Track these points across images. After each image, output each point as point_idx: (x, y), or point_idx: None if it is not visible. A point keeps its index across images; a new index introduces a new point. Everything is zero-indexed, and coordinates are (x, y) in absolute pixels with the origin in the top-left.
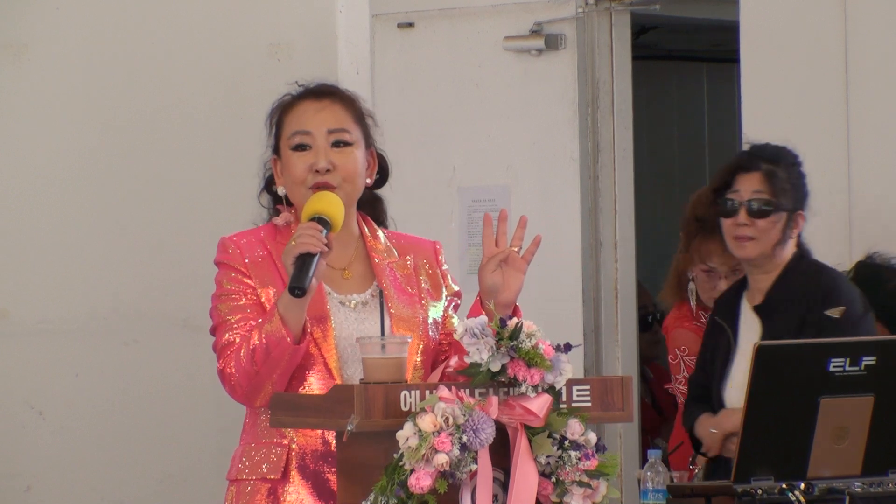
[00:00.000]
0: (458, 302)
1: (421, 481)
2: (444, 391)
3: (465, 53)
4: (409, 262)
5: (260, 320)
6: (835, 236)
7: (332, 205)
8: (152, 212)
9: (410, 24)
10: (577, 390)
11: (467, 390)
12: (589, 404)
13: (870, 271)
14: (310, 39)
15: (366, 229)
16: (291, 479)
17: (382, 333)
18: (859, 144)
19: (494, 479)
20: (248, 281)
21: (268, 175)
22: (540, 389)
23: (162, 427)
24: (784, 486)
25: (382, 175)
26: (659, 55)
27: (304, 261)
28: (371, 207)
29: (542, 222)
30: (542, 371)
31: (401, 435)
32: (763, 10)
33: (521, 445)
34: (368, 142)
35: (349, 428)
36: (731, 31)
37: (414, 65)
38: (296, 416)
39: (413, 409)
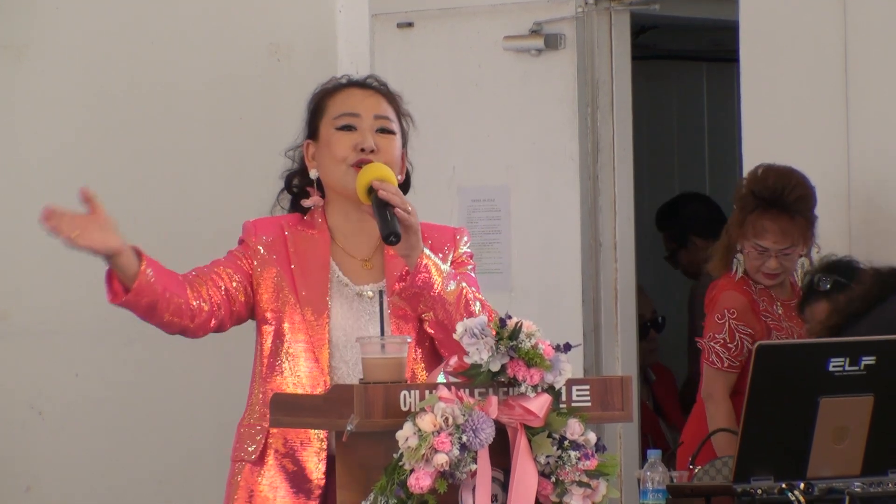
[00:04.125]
0: (469, 271)
1: (420, 481)
2: (443, 391)
3: (465, 53)
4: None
5: None
6: (834, 234)
7: (386, 171)
8: (152, 212)
9: (410, 24)
10: (577, 390)
11: (467, 390)
12: (588, 404)
13: (847, 263)
14: (309, 39)
15: None
16: (266, 462)
17: (382, 333)
18: (859, 143)
19: (494, 479)
20: (248, 254)
21: (298, 159)
22: (539, 389)
23: (162, 427)
24: (784, 485)
25: (406, 182)
26: (658, 55)
27: (386, 209)
28: None
29: (541, 222)
30: (542, 371)
31: (400, 435)
32: (763, 10)
33: (521, 445)
34: (404, 141)
35: (349, 428)
36: (730, 31)
37: (413, 65)
38: (295, 417)
39: (413, 409)
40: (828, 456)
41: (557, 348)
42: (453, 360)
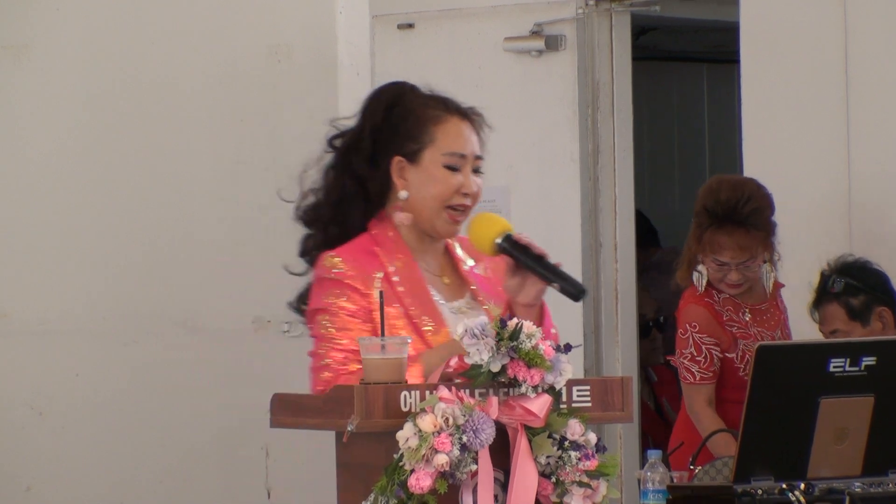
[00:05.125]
0: None
1: (421, 481)
2: (444, 392)
3: (465, 54)
4: (484, 267)
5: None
6: (835, 236)
7: (506, 222)
8: (152, 212)
9: (410, 25)
10: (577, 391)
11: (467, 391)
12: (589, 405)
13: (861, 265)
14: (310, 40)
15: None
16: None
17: (382, 334)
18: (859, 144)
19: (494, 480)
20: (363, 302)
21: (380, 171)
22: (540, 390)
23: (162, 427)
24: (784, 486)
25: None
26: (659, 56)
27: (552, 266)
28: None
29: (541, 223)
30: (543, 371)
31: (401, 435)
32: (763, 11)
33: (521, 446)
34: None
35: (349, 428)
36: (731, 32)
37: (414, 66)
38: (296, 417)
39: (413, 410)
40: (828, 456)
41: (558, 349)
42: (454, 361)
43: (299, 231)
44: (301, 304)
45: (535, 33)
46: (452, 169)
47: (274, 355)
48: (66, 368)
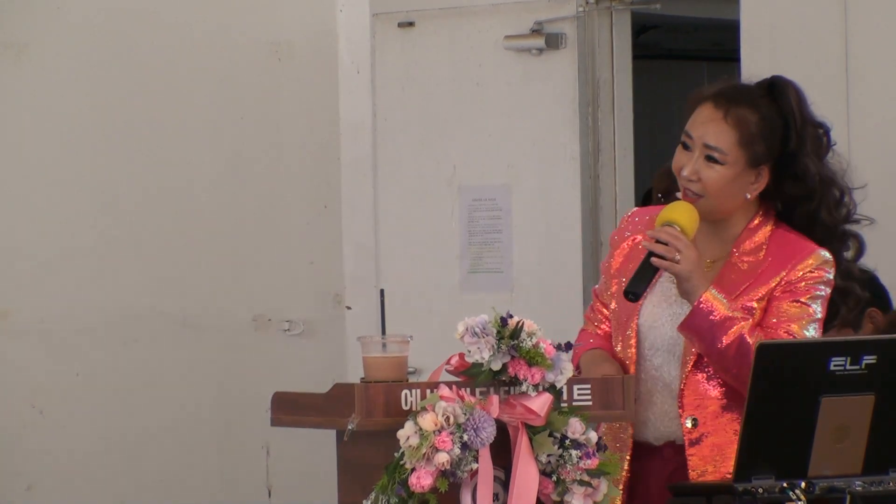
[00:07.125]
0: (800, 301)
1: (422, 480)
2: (444, 390)
3: (466, 52)
4: (765, 261)
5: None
6: None
7: (685, 216)
8: (152, 211)
9: (411, 23)
10: (578, 389)
11: (468, 389)
12: (590, 403)
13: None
14: (310, 38)
15: (754, 224)
16: None
17: (384, 332)
18: (860, 142)
19: (495, 478)
20: (607, 282)
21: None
22: (541, 388)
23: (162, 427)
24: (785, 484)
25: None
26: (659, 54)
27: (648, 264)
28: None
29: (542, 221)
30: (543, 370)
31: (402, 434)
32: (763, 9)
33: (522, 444)
34: (758, 161)
35: (350, 427)
36: (731, 30)
37: (414, 64)
38: (297, 416)
39: (414, 408)
40: (829, 455)
41: (559, 347)
42: (454, 360)
43: (299, 230)
44: None
45: (536, 31)
46: (685, 146)
47: (274, 353)
48: (67, 367)
